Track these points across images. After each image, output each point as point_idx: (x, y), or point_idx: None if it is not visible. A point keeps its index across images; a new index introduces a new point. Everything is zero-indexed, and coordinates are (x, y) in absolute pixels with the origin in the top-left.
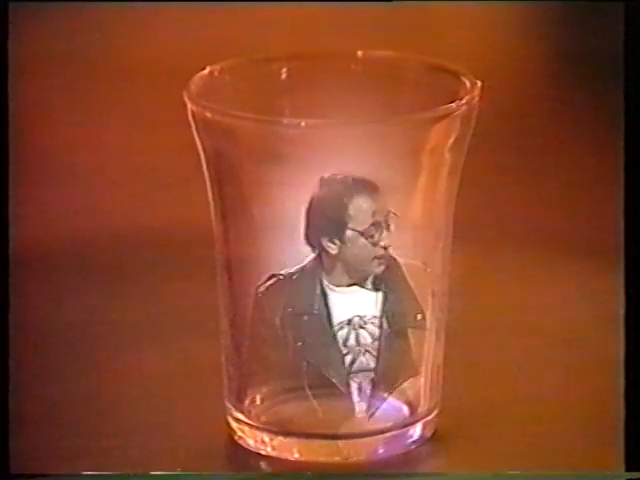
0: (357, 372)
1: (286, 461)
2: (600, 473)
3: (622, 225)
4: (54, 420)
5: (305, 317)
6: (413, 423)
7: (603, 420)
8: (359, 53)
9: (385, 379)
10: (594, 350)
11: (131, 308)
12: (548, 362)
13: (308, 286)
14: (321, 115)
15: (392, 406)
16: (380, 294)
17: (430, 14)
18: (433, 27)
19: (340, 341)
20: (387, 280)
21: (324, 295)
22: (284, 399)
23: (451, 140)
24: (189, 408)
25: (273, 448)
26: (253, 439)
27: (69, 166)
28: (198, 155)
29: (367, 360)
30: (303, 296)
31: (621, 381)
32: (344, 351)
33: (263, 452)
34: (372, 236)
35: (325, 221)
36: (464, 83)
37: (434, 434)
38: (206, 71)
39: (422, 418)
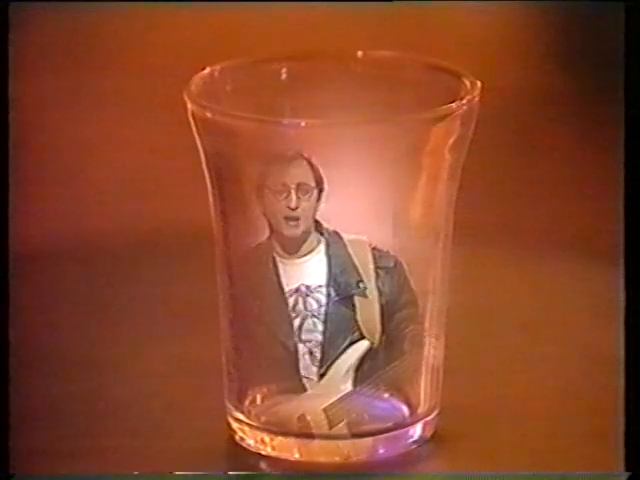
0: (306, 334)
1: (286, 461)
2: (600, 473)
3: (622, 225)
4: (54, 420)
5: (259, 286)
6: (413, 423)
7: (603, 420)
8: (359, 53)
9: (332, 343)
10: (594, 350)
11: (131, 308)
12: (548, 362)
13: (263, 259)
14: (321, 115)
15: (392, 406)
16: (324, 265)
17: (430, 14)
18: (433, 27)
19: (290, 307)
20: (331, 253)
21: (275, 266)
22: (284, 399)
23: (451, 140)
24: (189, 408)
25: (273, 448)
26: (253, 439)
27: (69, 167)
28: (198, 155)
29: (314, 323)
30: (258, 267)
31: (621, 381)
32: (292, 315)
33: (263, 452)
34: (280, 192)
35: (260, 188)
36: (464, 83)
37: (434, 434)
38: (206, 71)
39: (422, 418)
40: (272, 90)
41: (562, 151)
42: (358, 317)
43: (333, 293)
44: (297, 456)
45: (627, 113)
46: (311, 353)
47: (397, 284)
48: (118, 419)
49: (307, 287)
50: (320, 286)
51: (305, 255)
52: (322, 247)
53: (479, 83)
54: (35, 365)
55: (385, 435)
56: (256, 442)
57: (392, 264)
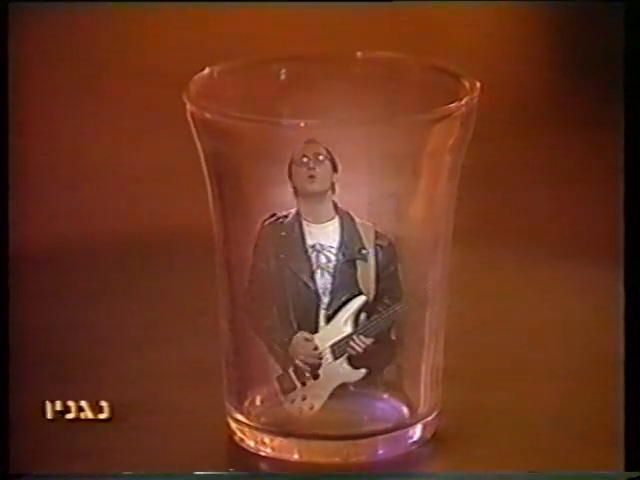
0: (319, 281)
1: (286, 462)
2: (600, 473)
3: (622, 225)
4: (54, 420)
5: (287, 238)
6: (413, 424)
7: (603, 420)
8: (359, 54)
9: (337, 293)
10: (594, 350)
11: (131, 309)
12: (548, 362)
13: (293, 221)
14: (321, 116)
15: (392, 406)
16: (337, 232)
17: (430, 14)
18: (433, 27)
19: (309, 257)
20: (344, 225)
21: (300, 226)
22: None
23: (451, 141)
24: (189, 409)
25: (273, 449)
26: (253, 440)
27: (70, 167)
28: (198, 155)
29: (323, 274)
30: (288, 226)
31: (621, 381)
32: (310, 265)
33: (263, 453)
34: (303, 163)
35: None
36: (463, 84)
37: (434, 435)
38: (205, 72)
39: (422, 419)
40: (272, 91)
41: (562, 151)
42: (358, 276)
43: (341, 254)
44: (297, 457)
45: (627, 113)
46: (324, 295)
47: (389, 257)
48: (118, 419)
49: (321, 245)
50: (332, 247)
51: (324, 222)
52: (337, 220)
53: (478, 84)
54: (35, 365)
55: (385, 436)
56: (256, 443)
57: (387, 243)
